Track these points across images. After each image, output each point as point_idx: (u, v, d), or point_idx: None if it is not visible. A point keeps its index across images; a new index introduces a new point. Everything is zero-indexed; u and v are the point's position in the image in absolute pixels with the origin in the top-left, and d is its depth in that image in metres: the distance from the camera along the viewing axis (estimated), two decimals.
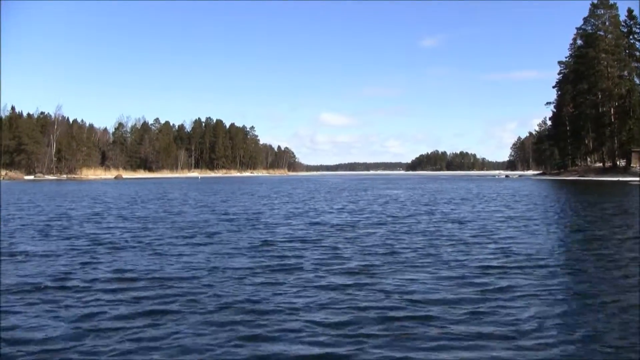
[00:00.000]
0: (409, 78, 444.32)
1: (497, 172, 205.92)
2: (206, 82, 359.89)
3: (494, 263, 8.67)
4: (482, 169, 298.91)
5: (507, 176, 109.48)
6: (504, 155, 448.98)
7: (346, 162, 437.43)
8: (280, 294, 6.67)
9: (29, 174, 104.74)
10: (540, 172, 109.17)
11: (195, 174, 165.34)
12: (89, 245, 11.07)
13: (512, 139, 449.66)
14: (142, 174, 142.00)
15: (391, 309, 5.93)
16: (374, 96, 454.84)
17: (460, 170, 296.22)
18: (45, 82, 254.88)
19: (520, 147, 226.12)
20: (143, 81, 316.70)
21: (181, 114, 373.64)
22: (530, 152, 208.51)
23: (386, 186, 51.82)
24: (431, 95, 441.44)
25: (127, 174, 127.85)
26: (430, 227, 13.98)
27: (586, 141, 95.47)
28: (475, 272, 7.89)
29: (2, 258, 9.33)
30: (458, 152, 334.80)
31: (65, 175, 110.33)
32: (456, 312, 5.75)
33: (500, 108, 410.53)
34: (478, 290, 6.77)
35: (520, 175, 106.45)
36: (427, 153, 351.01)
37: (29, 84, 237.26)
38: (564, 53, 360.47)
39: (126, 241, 11.57)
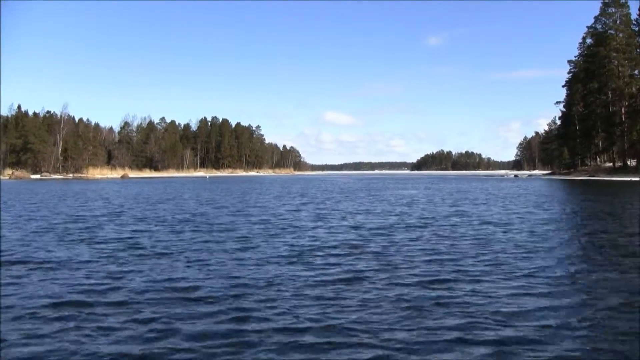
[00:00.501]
0: (414, 77, 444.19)
1: (504, 171, 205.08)
2: (211, 82, 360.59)
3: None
4: (487, 169, 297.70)
5: (516, 176, 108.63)
6: (508, 154, 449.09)
7: (351, 161, 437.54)
8: (355, 310, 5.99)
9: (35, 173, 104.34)
10: (549, 171, 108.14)
11: (201, 173, 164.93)
12: (121, 251, 10.37)
13: (517, 139, 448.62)
14: (148, 174, 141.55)
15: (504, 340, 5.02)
16: (379, 95, 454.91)
17: (466, 170, 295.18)
18: (50, 81, 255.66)
19: (526, 146, 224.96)
20: (148, 80, 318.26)
21: (186, 113, 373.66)
22: (537, 151, 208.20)
23: (399, 186, 51.06)
24: (435, 94, 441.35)
25: (133, 174, 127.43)
26: (471, 231, 13.29)
27: (596, 141, 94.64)
28: (561, 283, 7.23)
29: (30, 267, 8.66)
30: (463, 151, 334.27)
31: (71, 175, 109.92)
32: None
33: (504, 107, 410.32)
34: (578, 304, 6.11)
35: (529, 175, 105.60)
36: (433, 153, 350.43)
37: (34, 83, 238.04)
38: (569, 52, 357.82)
39: (160, 247, 10.84)
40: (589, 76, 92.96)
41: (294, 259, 9.31)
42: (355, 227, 14.31)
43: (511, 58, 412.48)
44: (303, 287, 7.13)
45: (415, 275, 7.86)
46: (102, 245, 11.05)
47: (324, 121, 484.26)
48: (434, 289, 7.00)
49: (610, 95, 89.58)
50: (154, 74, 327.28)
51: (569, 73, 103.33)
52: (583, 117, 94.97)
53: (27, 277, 7.89)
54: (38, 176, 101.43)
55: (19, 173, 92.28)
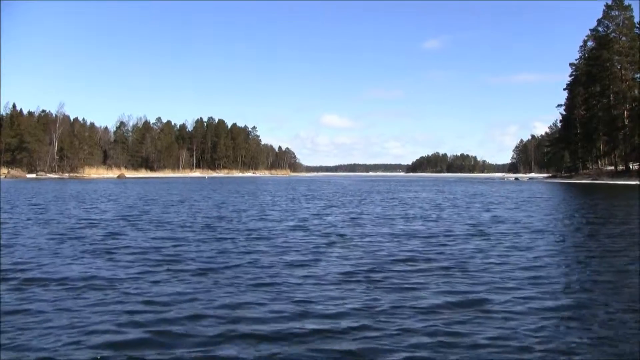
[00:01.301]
0: (411, 81, 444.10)
1: (500, 174, 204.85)
2: (208, 83, 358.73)
3: None
4: (482, 172, 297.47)
5: (516, 179, 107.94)
6: (503, 157, 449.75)
7: (346, 163, 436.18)
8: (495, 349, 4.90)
9: (30, 172, 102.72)
10: (550, 174, 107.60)
11: (197, 173, 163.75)
12: (157, 265, 8.96)
13: (512, 142, 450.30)
14: (143, 174, 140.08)
15: None
16: (376, 98, 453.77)
17: (461, 172, 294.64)
18: (45, 80, 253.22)
19: (522, 149, 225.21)
20: (144, 80, 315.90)
21: (182, 113, 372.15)
22: (533, 154, 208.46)
23: (408, 189, 50.05)
24: (432, 97, 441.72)
25: (129, 174, 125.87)
26: (539, 241, 12.18)
27: (597, 144, 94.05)
28: None
29: (54, 286, 7.45)
30: (459, 154, 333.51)
31: (67, 174, 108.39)
32: None
33: (500, 111, 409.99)
34: None
35: (530, 178, 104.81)
36: (428, 155, 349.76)
37: (29, 82, 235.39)
38: (565, 57, 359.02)
39: (201, 260, 9.53)
40: (591, 79, 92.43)
41: (377, 277, 7.98)
42: (410, 235, 13.14)
43: (508, 62, 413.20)
44: (409, 318, 5.91)
45: (538, 298, 6.76)
46: (132, 257, 9.84)
47: (320, 124, 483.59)
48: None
49: (612, 98, 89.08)
50: (150, 73, 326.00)
51: (570, 76, 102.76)
52: (585, 120, 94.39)
53: (53, 302, 6.52)
54: (34, 175, 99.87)
55: (14, 172, 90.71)
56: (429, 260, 9.55)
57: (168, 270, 8.53)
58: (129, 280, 7.71)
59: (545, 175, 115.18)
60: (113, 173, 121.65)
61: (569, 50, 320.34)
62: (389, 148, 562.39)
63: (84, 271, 8.39)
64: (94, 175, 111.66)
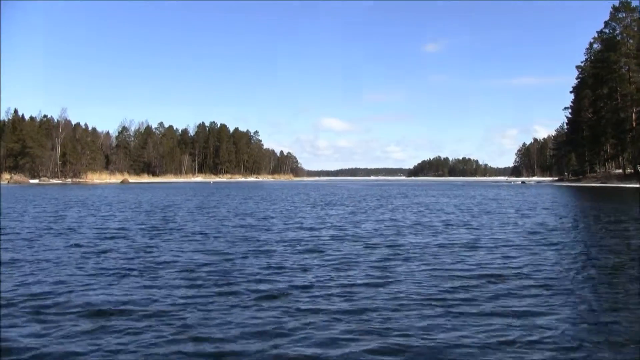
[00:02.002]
0: (411, 84, 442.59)
1: (504, 178, 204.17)
2: (207, 87, 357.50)
3: None
4: (484, 175, 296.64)
5: (523, 182, 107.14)
6: (504, 161, 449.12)
7: (347, 167, 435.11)
8: None
9: (33, 177, 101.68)
10: (557, 178, 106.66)
11: (199, 178, 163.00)
12: (220, 295, 7.41)
13: (512, 145, 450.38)
14: (146, 179, 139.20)
15: None
16: (376, 102, 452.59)
17: (463, 176, 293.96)
18: (46, 85, 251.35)
19: (525, 153, 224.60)
20: (145, 85, 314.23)
21: (182, 118, 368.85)
22: (536, 158, 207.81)
23: (423, 193, 49.03)
24: (432, 101, 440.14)
25: (131, 179, 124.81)
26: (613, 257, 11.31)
27: (605, 147, 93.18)
28: None
29: (103, 321, 6.58)
30: (460, 158, 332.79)
31: (70, 179, 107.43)
32: None
33: (500, 114, 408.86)
34: None
35: (537, 182, 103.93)
36: (430, 159, 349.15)
37: (30, 87, 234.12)
38: (565, 59, 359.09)
39: (261, 284, 8.08)
40: (598, 82, 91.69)
41: (478, 299, 6.96)
42: (467, 246, 12.11)
43: (507, 65, 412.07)
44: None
45: None
46: (177, 275, 8.80)
47: (320, 127, 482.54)
48: None
49: (620, 100, 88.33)
50: (151, 78, 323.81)
51: (577, 79, 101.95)
52: (592, 123, 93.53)
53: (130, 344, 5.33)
54: (36, 181, 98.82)
55: (17, 177, 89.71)
56: (519, 276, 8.55)
57: (228, 294, 7.50)
58: (189, 308, 6.68)
59: (551, 178, 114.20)
60: (116, 178, 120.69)
61: (568, 53, 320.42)
62: (390, 152, 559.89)
63: (140, 297, 7.32)
64: (96, 181, 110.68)
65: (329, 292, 7.48)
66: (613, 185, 71.30)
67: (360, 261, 10.12)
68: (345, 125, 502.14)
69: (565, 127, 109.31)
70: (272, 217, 20.67)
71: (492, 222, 18.07)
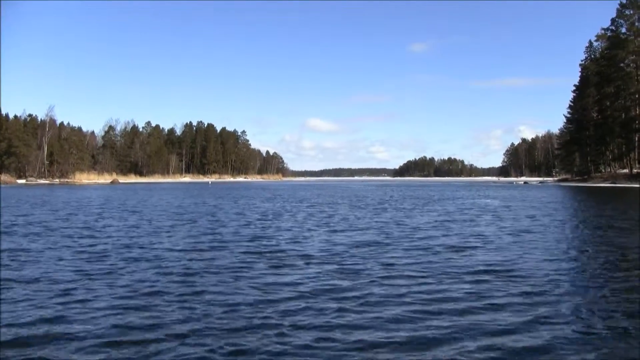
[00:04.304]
0: (397, 84, 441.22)
1: (490, 177, 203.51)
2: (191, 87, 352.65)
3: None
4: (469, 175, 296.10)
5: (525, 182, 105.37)
6: (488, 161, 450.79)
7: (331, 167, 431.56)
8: None
9: (19, 177, 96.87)
10: (561, 178, 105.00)
11: (187, 178, 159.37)
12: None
13: (497, 146, 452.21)
14: (134, 179, 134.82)
15: None
16: (361, 102, 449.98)
17: (449, 176, 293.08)
18: (28, 83, 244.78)
19: (513, 153, 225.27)
20: (129, 84, 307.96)
21: (167, 117, 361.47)
22: (524, 158, 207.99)
23: (451, 195, 46.35)
24: (417, 101, 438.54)
25: (120, 179, 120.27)
26: None
27: (611, 146, 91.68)
28: None
29: None
30: (445, 158, 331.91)
31: (57, 180, 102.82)
32: None
33: (485, 115, 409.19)
34: None
35: (541, 182, 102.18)
36: (415, 159, 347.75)
37: (12, 85, 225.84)
38: (550, 61, 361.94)
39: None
40: (603, 80, 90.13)
41: None
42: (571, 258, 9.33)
43: (492, 66, 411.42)
44: None
45: None
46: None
47: (306, 128, 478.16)
48: None
49: (627, 99, 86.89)
50: (136, 77, 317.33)
51: (581, 77, 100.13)
52: (599, 122, 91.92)
53: None
54: (23, 181, 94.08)
55: (5, 177, 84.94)
56: None
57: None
58: None
59: (552, 178, 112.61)
60: (104, 179, 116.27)
61: (553, 55, 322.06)
62: (374, 152, 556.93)
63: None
64: (85, 181, 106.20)
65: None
66: (623, 185, 69.28)
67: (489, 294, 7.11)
68: (330, 125, 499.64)
69: (564, 126, 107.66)
70: (303, 221, 17.56)
71: (544, 231, 15.21)
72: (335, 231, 14.64)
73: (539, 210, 23.47)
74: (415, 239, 12.63)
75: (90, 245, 11.57)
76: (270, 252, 10.64)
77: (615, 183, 75.90)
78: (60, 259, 9.64)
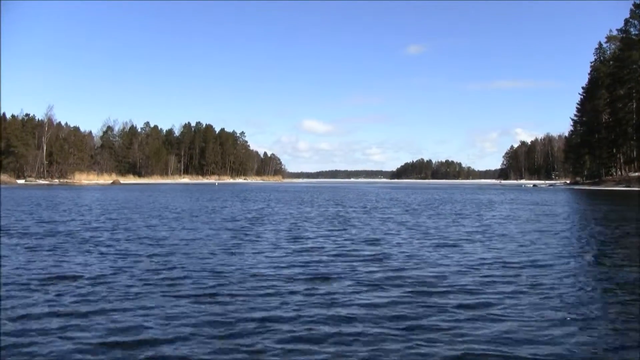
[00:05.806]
0: (392, 87, 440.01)
1: (490, 180, 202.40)
2: (188, 88, 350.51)
3: None
4: (467, 178, 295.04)
5: (534, 185, 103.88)
6: (485, 164, 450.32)
7: (327, 169, 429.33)
8: None
9: (18, 178, 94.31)
10: (571, 181, 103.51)
11: (186, 179, 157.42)
12: None
13: (493, 148, 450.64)
14: (133, 179, 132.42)
15: None
16: (357, 104, 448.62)
17: (446, 179, 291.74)
18: (27, 83, 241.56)
19: (512, 155, 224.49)
20: (127, 85, 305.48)
21: (164, 117, 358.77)
22: (524, 161, 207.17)
23: (485, 198, 44.44)
24: (413, 103, 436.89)
25: (120, 180, 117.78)
26: None
27: (623, 149, 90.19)
28: None
29: None
30: (443, 160, 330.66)
31: (57, 180, 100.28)
32: None
33: (481, 117, 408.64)
34: None
35: (550, 185, 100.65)
36: (412, 161, 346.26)
37: (9, 84, 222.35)
38: (546, 64, 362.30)
39: None
40: (616, 82, 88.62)
41: None
42: None
43: (488, 69, 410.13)
44: None
45: None
46: None
47: (301, 129, 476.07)
48: None
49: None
50: (134, 78, 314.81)
51: (590, 79, 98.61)
52: (610, 124, 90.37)
53: None
54: (23, 181, 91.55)
55: (4, 178, 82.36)
56: None
57: None
58: None
59: (565, 181, 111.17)
60: (104, 179, 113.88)
61: (549, 58, 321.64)
62: (370, 154, 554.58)
63: None
64: (84, 182, 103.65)
65: None
66: (638, 189, 67.37)
67: None
68: (326, 127, 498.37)
69: (571, 128, 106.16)
70: (358, 229, 15.53)
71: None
72: (489, 247, 12.63)
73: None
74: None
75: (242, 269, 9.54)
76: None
77: (629, 186, 74.23)
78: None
